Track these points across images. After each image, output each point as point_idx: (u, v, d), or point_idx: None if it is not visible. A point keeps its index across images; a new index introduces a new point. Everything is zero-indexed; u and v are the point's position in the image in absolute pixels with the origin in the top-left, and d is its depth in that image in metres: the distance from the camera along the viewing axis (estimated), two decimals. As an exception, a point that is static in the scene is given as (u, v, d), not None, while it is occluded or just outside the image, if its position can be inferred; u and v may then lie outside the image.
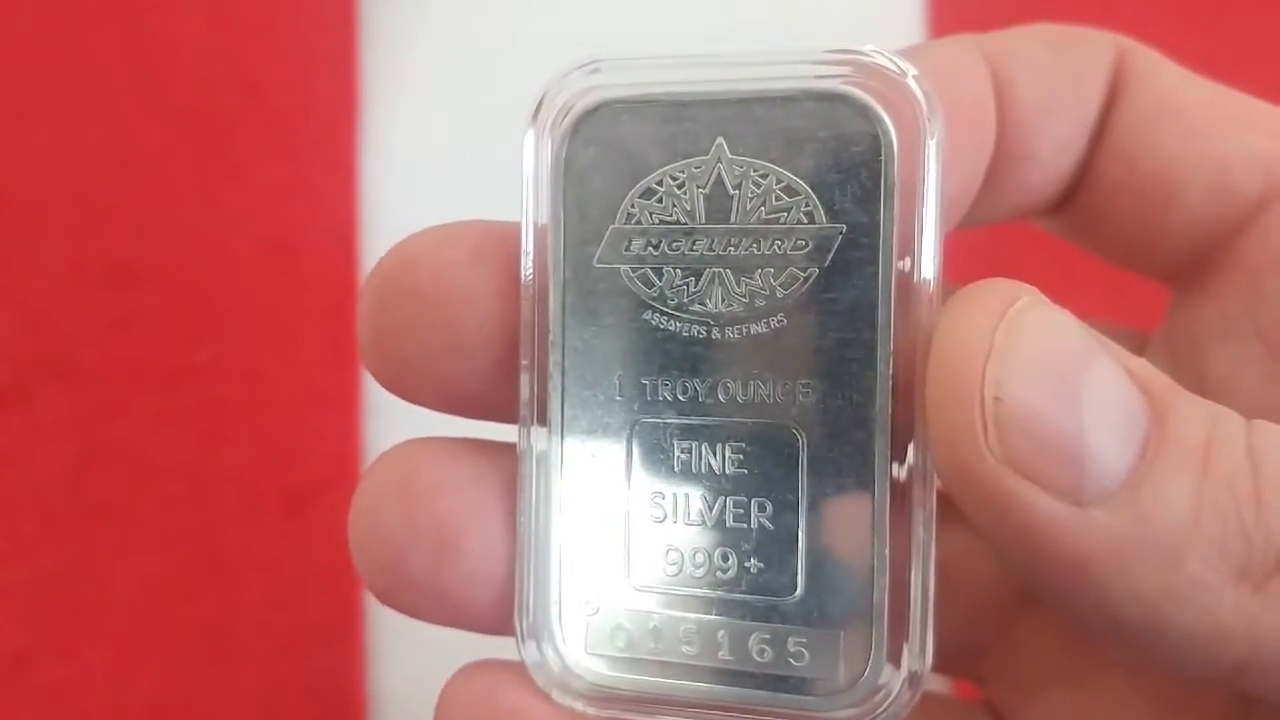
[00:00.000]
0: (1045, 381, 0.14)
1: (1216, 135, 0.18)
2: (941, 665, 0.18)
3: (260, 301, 0.32)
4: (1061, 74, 0.18)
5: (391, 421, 0.31)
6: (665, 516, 0.17)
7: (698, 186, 0.17)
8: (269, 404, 0.31)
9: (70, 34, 0.33)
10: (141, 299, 0.32)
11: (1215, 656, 0.14)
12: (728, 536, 0.17)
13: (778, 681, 0.17)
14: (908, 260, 0.16)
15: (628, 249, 0.17)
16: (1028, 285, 0.15)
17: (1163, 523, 0.14)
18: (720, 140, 0.17)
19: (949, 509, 0.16)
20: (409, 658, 0.30)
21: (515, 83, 0.34)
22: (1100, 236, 0.20)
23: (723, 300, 0.17)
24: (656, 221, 0.17)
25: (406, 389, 0.18)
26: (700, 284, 0.17)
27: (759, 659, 0.17)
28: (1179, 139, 0.18)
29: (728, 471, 0.17)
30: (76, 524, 0.30)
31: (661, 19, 0.34)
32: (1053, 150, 0.18)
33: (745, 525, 0.17)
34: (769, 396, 0.17)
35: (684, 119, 0.17)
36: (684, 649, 0.17)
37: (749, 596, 0.17)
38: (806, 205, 0.16)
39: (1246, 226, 0.18)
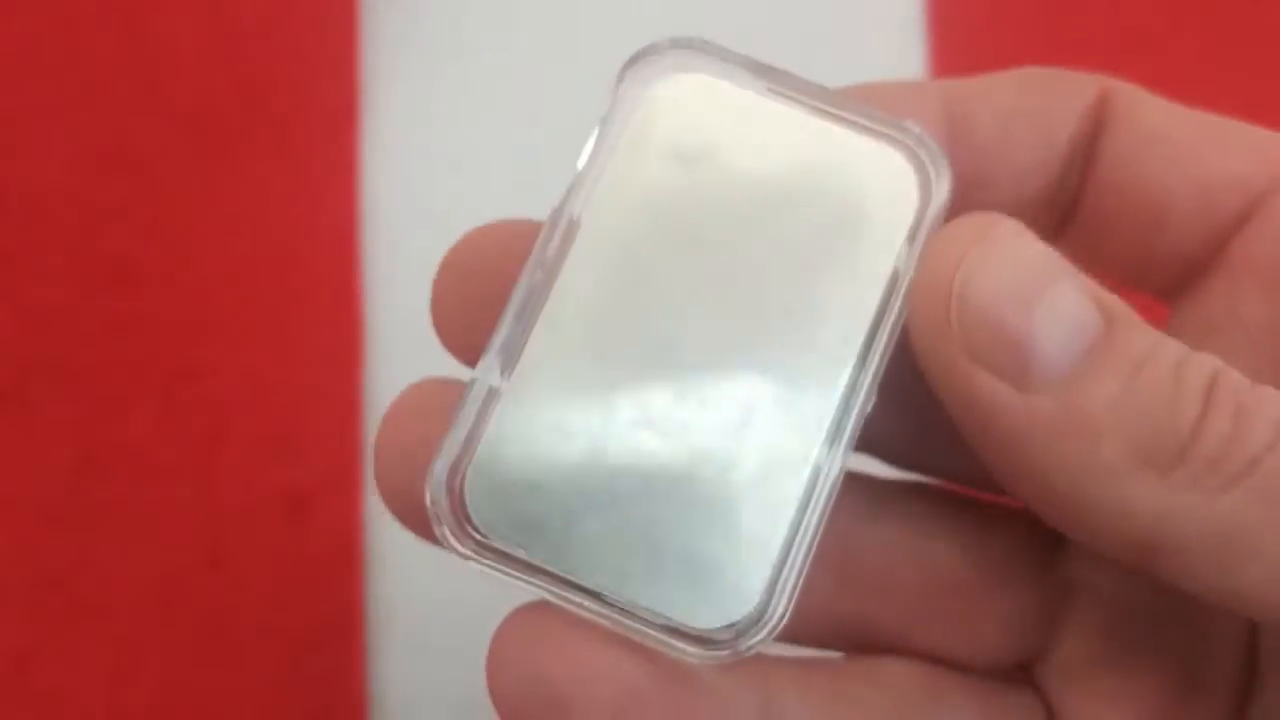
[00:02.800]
0: (1005, 283, 0.17)
1: (1197, 160, 0.20)
2: (994, 660, 0.21)
3: (260, 301, 0.32)
4: (1024, 107, 0.20)
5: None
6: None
7: None
8: (269, 404, 0.31)
9: (70, 34, 0.33)
10: (142, 299, 0.32)
11: (1126, 534, 0.17)
12: None
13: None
14: None
15: None
16: (1015, 220, 0.17)
17: (1087, 411, 0.16)
18: None
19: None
20: (409, 658, 0.30)
21: (516, 83, 0.34)
22: (1098, 259, 0.21)
23: None
24: None
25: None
26: None
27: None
28: (1163, 167, 0.20)
29: None
30: (76, 524, 0.30)
31: (661, 21, 0.34)
32: (1013, 175, 0.20)
33: None
34: None
35: None
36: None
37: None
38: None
39: (1229, 240, 0.20)
